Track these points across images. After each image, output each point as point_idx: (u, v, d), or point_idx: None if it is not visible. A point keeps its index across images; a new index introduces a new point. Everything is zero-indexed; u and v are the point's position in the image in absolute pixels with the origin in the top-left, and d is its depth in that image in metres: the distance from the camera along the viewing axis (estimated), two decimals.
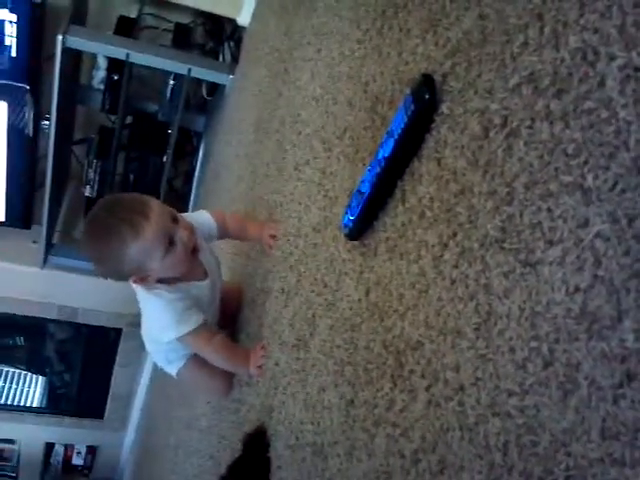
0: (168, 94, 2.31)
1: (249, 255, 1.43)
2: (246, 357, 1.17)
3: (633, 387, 0.38)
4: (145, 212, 1.02)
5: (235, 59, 2.25)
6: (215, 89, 2.46)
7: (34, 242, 2.60)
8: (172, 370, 1.30)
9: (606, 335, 0.40)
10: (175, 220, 1.07)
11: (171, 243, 1.04)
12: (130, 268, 1.05)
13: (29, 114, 2.33)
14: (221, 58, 2.47)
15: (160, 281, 1.11)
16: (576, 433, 0.41)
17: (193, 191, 2.55)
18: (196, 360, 1.26)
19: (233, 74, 2.14)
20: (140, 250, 1.02)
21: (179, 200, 2.79)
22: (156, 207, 1.04)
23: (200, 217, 1.23)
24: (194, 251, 1.11)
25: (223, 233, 1.26)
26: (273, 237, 1.20)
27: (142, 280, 1.08)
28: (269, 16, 1.75)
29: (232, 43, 2.38)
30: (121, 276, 1.09)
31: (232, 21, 2.21)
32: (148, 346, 1.29)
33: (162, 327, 1.14)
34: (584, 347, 0.42)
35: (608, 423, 0.39)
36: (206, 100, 2.58)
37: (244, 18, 2.10)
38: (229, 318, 1.43)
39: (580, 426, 0.41)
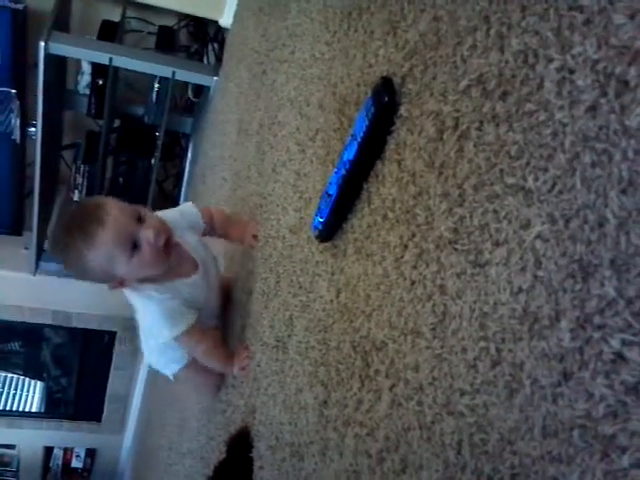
0: (154, 97, 2.32)
1: (233, 257, 1.43)
2: (231, 358, 1.18)
3: (569, 386, 0.38)
4: (100, 218, 0.97)
5: (219, 60, 2.25)
6: (201, 91, 2.46)
7: (26, 248, 2.61)
8: (168, 372, 1.29)
9: (546, 335, 0.41)
10: (140, 219, 1.01)
11: (136, 245, 1.00)
12: (97, 276, 1.03)
13: (16, 120, 2.33)
14: (205, 60, 2.47)
15: (147, 279, 1.07)
16: (520, 431, 0.42)
17: (182, 193, 2.56)
18: (194, 363, 1.25)
19: (217, 76, 2.14)
20: (100, 258, 0.98)
21: (170, 203, 2.79)
22: (114, 210, 0.99)
23: (185, 209, 1.22)
24: (168, 248, 1.05)
25: (209, 229, 1.24)
26: (255, 237, 1.21)
27: (120, 284, 1.06)
28: (249, 17, 1.75)
29: (216, 45, 2.38)
30: (97, 281, 1.06)
31: (215, 23, 2.21)
32: (144, 345, 1.26)
33: (157, 328, 1.12)
34: (527, 347, 0.43)
35: (548, 421, 0.40)
36: (193, 102, 2.58)
37: (226, 19, 2.10)
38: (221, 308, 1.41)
39: (524, 424, 0.42)
